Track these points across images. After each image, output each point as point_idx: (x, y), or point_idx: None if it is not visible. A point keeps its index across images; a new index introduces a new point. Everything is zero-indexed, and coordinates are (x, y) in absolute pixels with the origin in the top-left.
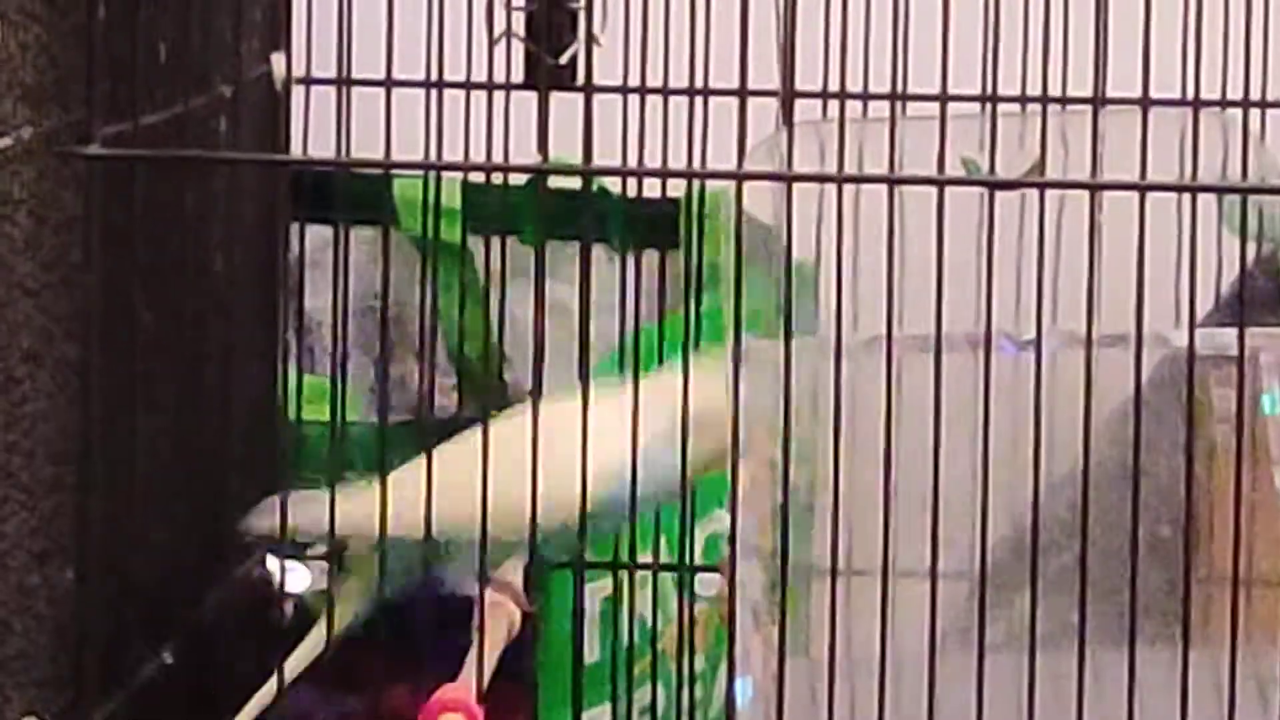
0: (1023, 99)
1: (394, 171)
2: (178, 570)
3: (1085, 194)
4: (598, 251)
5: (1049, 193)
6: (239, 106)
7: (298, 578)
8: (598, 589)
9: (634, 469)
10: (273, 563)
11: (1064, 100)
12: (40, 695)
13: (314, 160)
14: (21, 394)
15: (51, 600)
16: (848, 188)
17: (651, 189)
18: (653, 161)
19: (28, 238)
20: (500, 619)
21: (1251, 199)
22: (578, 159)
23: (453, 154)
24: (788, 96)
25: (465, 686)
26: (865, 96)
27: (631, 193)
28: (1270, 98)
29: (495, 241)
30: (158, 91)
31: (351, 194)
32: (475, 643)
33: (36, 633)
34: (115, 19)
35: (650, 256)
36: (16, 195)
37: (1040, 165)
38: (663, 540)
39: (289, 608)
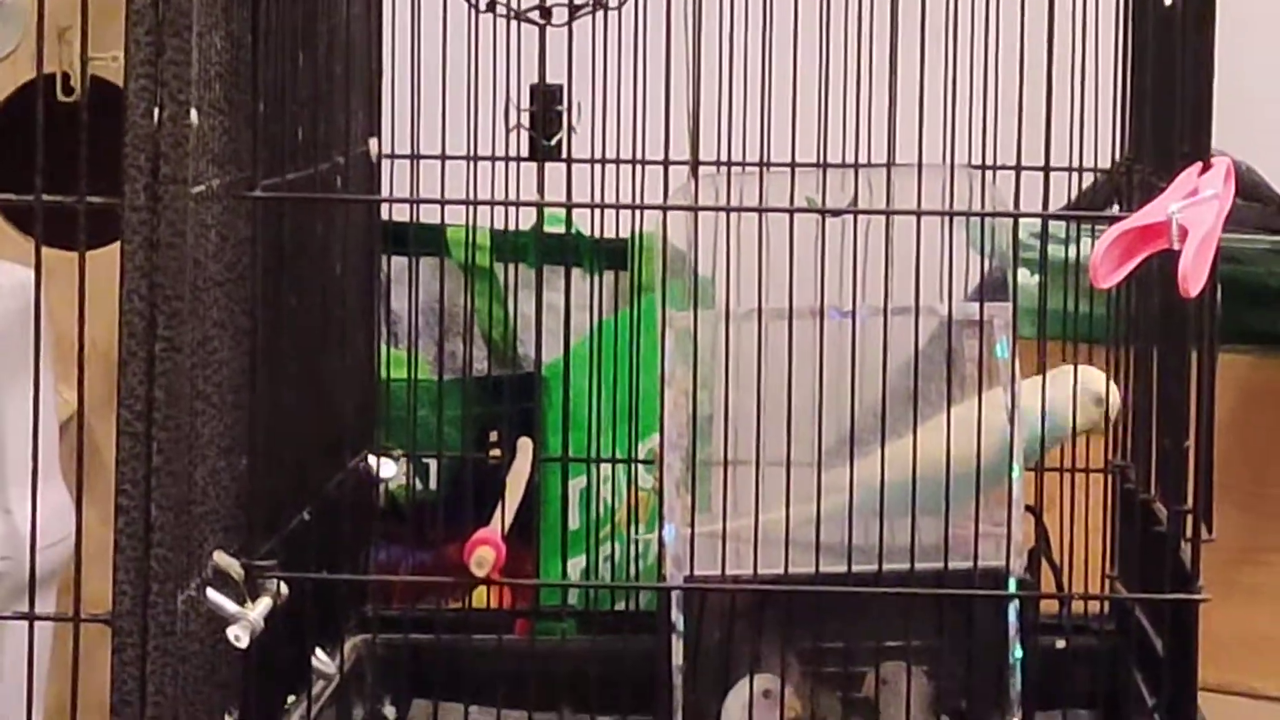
0: (843, 164)
1: (446, 219)
2: (312, 461)
3: (884, 218)
4: (576, 272)
5: (860, 217)
6: (349, 170)
7: (387, 469)
8: (577, 482)
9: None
10: (372, 459)
11: (870, 165)
12: (225, 538)
13: (396, 199)
14: (213, 347)
15: (233, 477)
16: (733, 215)
17: (609, 229)
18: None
19: (216, 249)
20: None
21: (987, 224)
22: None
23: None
24: (694, 163)
25: (494, 529)
26: (744, 163)
27: (597, 234)
28: (1000, 163)
29: (511, 266)
30: (297, 158)
31: (419, 236)
32: (500, 502)
33: (224, 498)
34: (270, 111)
35: (609, 274)
36: (209, 222)
37: (854, 201)
38: (618, 451)
39: (381, 489)
